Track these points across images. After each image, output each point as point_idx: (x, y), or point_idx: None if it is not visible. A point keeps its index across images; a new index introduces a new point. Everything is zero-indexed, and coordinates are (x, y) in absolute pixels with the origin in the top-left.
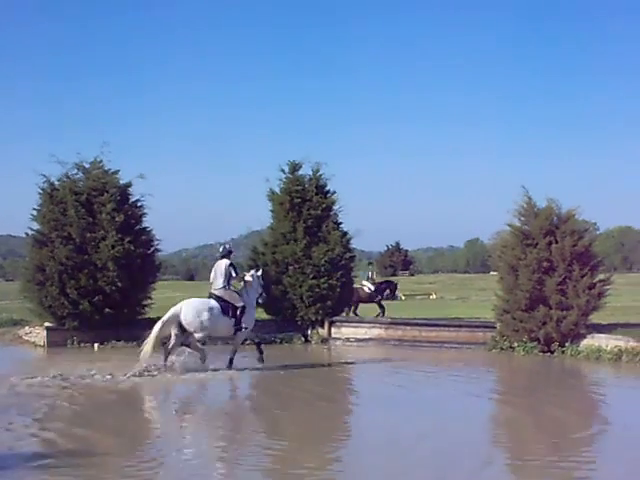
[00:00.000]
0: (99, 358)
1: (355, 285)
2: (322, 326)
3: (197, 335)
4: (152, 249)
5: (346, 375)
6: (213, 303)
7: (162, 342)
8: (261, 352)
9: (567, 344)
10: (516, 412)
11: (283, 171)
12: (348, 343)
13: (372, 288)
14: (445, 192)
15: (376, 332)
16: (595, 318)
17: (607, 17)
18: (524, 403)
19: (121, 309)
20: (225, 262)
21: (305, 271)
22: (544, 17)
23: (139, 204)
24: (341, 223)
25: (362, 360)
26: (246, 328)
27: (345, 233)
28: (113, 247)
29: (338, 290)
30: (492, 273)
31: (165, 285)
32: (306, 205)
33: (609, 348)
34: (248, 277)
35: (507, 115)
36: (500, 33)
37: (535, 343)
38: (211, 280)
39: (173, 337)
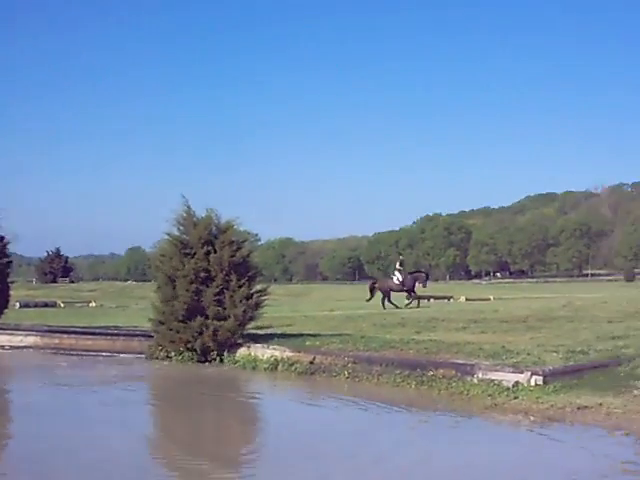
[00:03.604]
0: None
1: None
2: None
3: None
4: None
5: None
6: None
7: None
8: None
9: (224, 354)
10: (171, 423)
11: None
12: (2, 351)
13: (400, 279)
14: (106, 200)
15: (32, 340)
16: (253, 328)
17: None
18: (179, 414)
19: None
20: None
21: None
22: None
23: None
24: None
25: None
26: None
27: (2, 238)
28: None
29: None
30: (154, 282)
31: None
32: None
33: (265, 358)
34: None
35: (162, 127)
36: None
37: (192, 353)
38: None
39: None
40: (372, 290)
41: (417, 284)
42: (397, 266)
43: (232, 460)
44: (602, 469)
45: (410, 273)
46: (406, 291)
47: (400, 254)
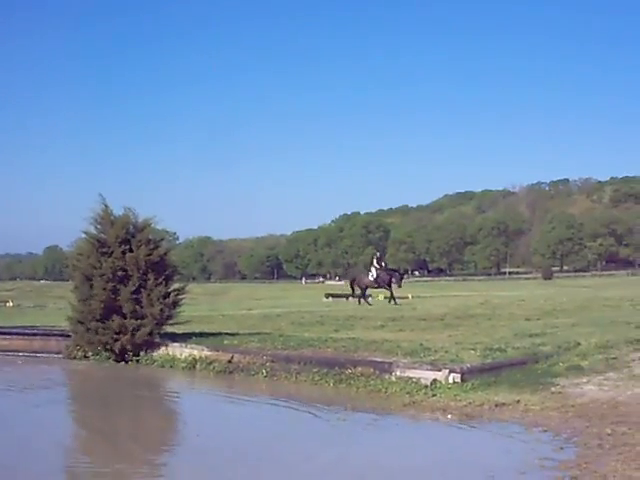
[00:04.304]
0: None
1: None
2: None
3: None
4: None
5: None
6: None
7: None
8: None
9: (142, 353)
10: (91, 423)
11: None
12: None
13: (375, 275)
14: (19, 197)
15: None
16: (170, 327)
17: None
18: (98, 414)
19: None
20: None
21: None
22: None
23: None
24: None
25: None
26: None
27: None
28: None
29: None
30: (71, 281)
31: None
32: None
33: (183, 357)
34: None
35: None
36: None
37: (110, 353)
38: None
39: None
40: (352, 286)
41: (393, 282)
42: (374, 263)
43: (153, 461)
44: (520, 465)
45: (386, 270)
46: (381, 287)
47: (376, 250)
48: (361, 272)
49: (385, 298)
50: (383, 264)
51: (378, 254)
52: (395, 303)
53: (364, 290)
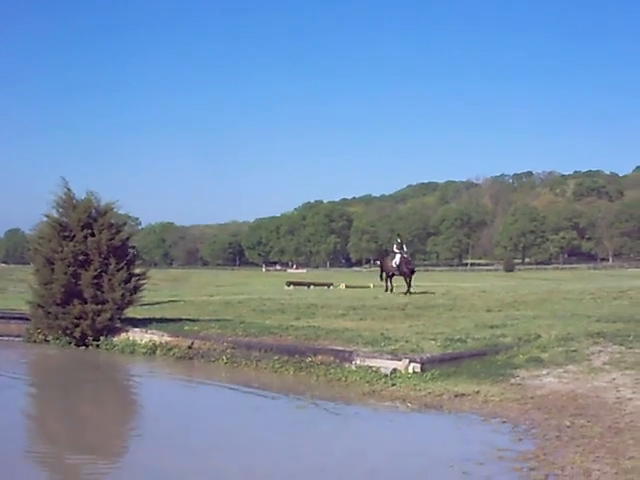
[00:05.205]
0: None
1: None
2: None
3: None
4: None
5: None
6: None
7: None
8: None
9: (102, 338)
10: (52, 409)
11: None
12: None
13: (397, 262)
14: None
15: None
16: (131, 312)
17: None
18: (57, 399)
19: None
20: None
21: None
22: None
23: None
24: None
25: None
26: None
27: None
28: None
29: None
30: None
31: None
32: None
33: (144, 342)
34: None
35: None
36: None
37: (70, 337)
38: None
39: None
40: (382, 271)
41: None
42: (394, 248)
43: (113, 445)
44: (479, 456)
45: (405, 260)
46: (402, 275)
47: (398, 235)
48: (387, 256)
49: (347, 287)
50: (405, 248)
51: (399, 240)
52: (409, 293)
53: (390, 276)
